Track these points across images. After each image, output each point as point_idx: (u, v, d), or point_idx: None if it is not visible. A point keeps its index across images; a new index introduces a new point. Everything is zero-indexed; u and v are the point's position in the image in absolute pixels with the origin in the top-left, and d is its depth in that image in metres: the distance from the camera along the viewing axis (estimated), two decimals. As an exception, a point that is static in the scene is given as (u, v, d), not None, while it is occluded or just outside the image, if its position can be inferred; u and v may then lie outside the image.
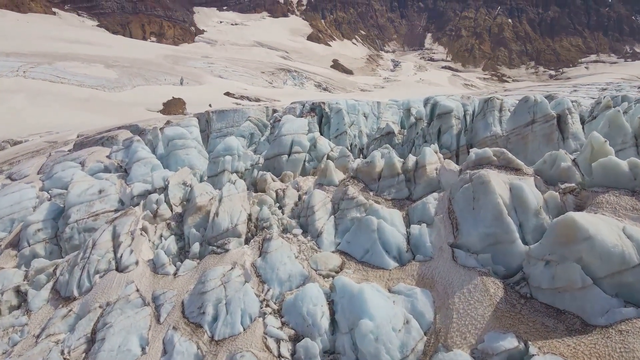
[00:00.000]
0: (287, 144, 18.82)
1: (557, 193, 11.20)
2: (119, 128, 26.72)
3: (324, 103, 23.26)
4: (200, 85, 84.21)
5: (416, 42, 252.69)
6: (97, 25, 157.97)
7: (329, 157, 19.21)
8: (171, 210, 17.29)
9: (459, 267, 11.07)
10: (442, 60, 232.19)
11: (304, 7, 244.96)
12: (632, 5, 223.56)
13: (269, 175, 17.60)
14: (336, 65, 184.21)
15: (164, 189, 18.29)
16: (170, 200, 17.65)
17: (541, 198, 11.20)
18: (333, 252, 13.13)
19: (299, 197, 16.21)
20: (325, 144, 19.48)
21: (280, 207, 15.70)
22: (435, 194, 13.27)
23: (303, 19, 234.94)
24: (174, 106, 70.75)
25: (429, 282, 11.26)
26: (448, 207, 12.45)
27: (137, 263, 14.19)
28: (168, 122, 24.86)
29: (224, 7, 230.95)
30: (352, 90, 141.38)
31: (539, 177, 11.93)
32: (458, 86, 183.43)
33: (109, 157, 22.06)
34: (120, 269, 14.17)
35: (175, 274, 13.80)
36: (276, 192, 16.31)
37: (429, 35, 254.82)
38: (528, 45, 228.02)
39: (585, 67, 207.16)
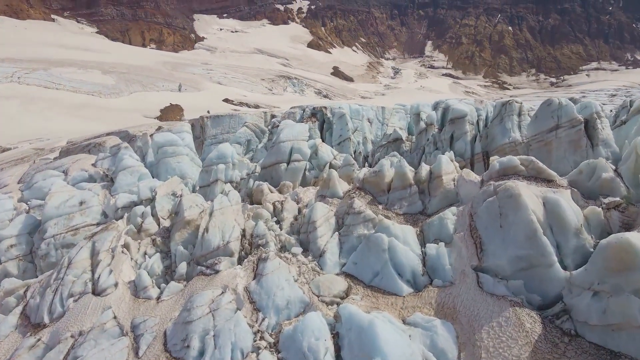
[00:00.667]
0: (286, 151, 17.26)
1: (600, 209, 9.62)
2: (108, 134, 25.21)
3: (325, 108, 21.75)
4: (199, 92, 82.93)
5: (416, 49, 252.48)
6: (97, 32, 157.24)
7: (331, 166, 17.66)
8: (158, 225, 15.71)
9: (485, 295, 9.46)
10: (443, 67, 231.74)
11: (304, 15, 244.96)
12: (632, 12, 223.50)
13: (265, 186, 16.04)
14: (336, 73, 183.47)
15: (152, 201, 16.73)
16: (158, 212, 16.08)
17: (581, 214, 9.63)
18: (338, 274, 11.53)
19: (299, 211, 14.63)
20: (327, 151, 17.93)
21: (277, 222, 14.11)
22: (453, 208, 11.69)
23: (303, 26, 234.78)
24: (171, 113, 69.40)
25: (451, 312, 9.65)
26: (469, 223, 10.86)
27: (116, 285, 12.59)
28: (160, 128, 23.34)
29: (224, 15, 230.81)
30: (353, 97, 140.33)
31: (575, 189, 10.35)
32: (459, 93, 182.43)
33: (94, 165, 20.51)
34: (97, 291, 12.55)
35: (158, 298, 12.19)
36: (273, 204, 14.72)
37: (429, 42, 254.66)
38: (529, 53, 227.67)
39: (587, 75, 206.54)
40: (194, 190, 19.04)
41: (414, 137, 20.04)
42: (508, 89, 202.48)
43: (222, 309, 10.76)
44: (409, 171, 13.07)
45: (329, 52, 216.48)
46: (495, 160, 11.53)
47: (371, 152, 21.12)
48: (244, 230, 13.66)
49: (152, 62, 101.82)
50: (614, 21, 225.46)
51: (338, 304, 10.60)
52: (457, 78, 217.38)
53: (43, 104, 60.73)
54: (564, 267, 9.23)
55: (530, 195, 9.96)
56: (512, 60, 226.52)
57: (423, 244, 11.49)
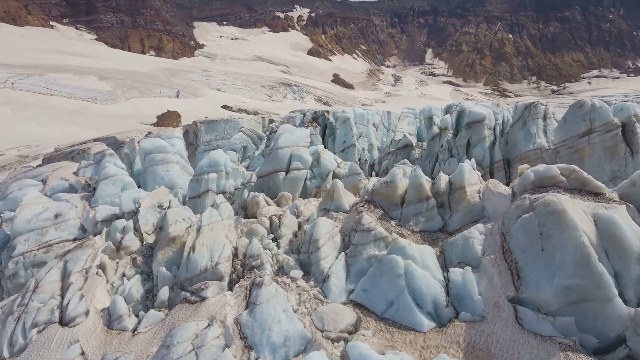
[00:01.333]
0: (285, 159, 15.56)
1: (666, 229, 7.93)
2: (95, 140, 23.55)
3: (327, 112, 20.10)
4: (197, 98, 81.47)
5: (417, 57, 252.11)
6: (95, 39, 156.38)
7: (335, 175, 15.97)
8: (141, 241, 13.99)
9: (527, 335, 7.74)
10: (443, 75, 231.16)
11: (304, 22, 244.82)
12: (633, 20, 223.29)
13: (261, 198, 14.34)
14: (337, 80, 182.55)
15: (135, 214, 15.01)
16: (141, 227, 14.36)
17: (642, 235, 7.92)
18: (345, 303, 9.80)
19: (299, 226, 12.93)
20: (330, 159, 16.25)
21: (275, 239, 12.40)
22: (479, 226, 9.98)
23: (303, 34, 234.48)
24: (168, 119, 67.87)
25: (484, 355, 7.92)
26: (501, 244, 9.15)
27: (87, 313, 10.85)
28: (149, 134, 21.68)
29: (224, 22, 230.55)
30: (353, 104, 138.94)
31: (630, 205, 8.67)
32: (460, 100, 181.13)
33: (76, 173, 18.81)
34: (65, 321, 10.82)
35: (135, 330, 10.45)
36: (270, 219, 13.01)
37: (429, 50, 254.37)
38: (529, 61, 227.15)
39: (588, 82, 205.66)
40: (184, 202, 17.33)
41: (424, 143, 18.39)
42: (509, 96, 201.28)
43: (208, 346, 9.03)
44: (426, 182, 11.40)
45: (329, 60, 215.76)
46: (528, 170, 9.84)
47: (378, 160, 19.42)
48: (235, 249, 11.96)
49: (150, 69, 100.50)
50: (615, 29, 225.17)
51: (346, 340, 8.87)
52: (458, 85, 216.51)
53: (37, 110, 59.20)
54: (625, 301, 7.51)
55: (577, 211, 8.27)
56: (513, 67, 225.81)
57: (445, 267, 9.77)
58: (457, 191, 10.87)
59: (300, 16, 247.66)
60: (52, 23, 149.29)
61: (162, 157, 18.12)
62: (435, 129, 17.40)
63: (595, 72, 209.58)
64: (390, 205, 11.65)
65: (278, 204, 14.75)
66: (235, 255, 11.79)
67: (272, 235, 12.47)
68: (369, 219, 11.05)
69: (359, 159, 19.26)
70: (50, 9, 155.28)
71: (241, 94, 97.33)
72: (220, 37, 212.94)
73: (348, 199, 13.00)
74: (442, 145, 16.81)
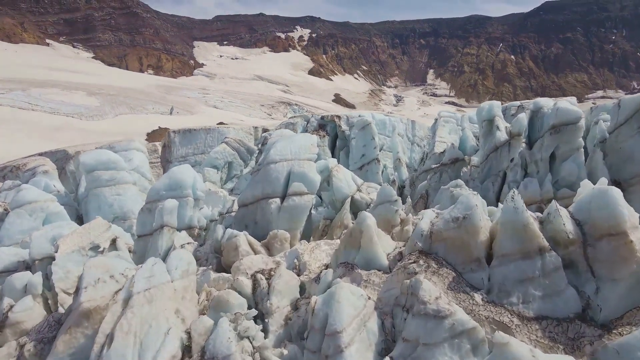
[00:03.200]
0: (280, 178, 10.34)
1: None
2: (41, 154, 18.52)
3: (339, 117, 15.10)
4: (192, 115, 76.87)
5: (418, 77, 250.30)
6: (93, 57, 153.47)
7: (354, 204, 10.83)
8: (50, 308, 8.80)
9: None
10: (445, 95, 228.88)
11: (305, 43, 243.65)
12: (636, 42, 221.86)
13: (242, 239, 9.14)
14: (338, 100, 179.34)
15: (52, 261, 9.81)
16: (56, 284, 9.17)
17: None
18: None
19: (302, 289, 7.74)
20: (347, 178, 11.07)
21: (261, 317, 7.18)
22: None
23: (304, 54, 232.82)
24: (159, 136, 63.06)
25: None
26: None
27: None
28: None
29: (225, 42, 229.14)
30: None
31: None
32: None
33: (-6, 198, 13.67)
34: None
35: None
36: (254, 278, 7.78)
37: (430, 71, 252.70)
38: (532, 81, 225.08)
39: (593, 103, 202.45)
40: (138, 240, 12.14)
41: (472, 157, 13.26)
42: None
43: None
44: (533, 220, 6.20)
45: (330, 80, 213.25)
46: None
47: (409, 181, 14.24)
48: (189, 338, 6.72)
49: (144, 85, 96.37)
50: (618, 50, 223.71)
51: None
52: (461, 106, 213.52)
53: (15, 125, 54.56)
54: None
55: None
56: (516, 88, 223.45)
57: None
58: (605, 240, 5.69)
59: (301, 36, 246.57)
60: (48, 41, 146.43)
61: (111, 176, 13.02)
62: (500, 136, 12.27)
63: (600, 92, 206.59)
64: (466, 262, 6.47)
65: (268, 249, 9.52)
66: (186, 352, 6.56)
67: (254, 310, 7.21)
68: (433, 290, 5.83)
69: (384, 179, 14.14)
70: (47, 26, 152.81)
71: (239, 112, 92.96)
72: (221, 56, 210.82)
73: (383, 244, 7.80)
74: (513, 160, 11.70)
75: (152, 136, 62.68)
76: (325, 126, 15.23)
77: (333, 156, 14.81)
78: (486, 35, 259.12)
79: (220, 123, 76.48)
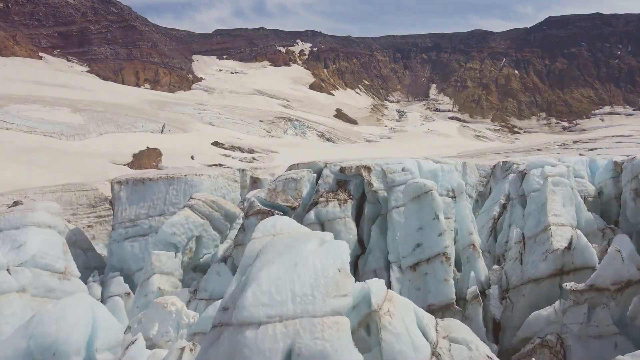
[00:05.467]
0: None
1: None
2: None
3: (368, 169, 9.36)
4: (185, 133, 71.47)
5: (421, 92, 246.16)
6: (87, 71, 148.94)
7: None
8: None
9: None
10: (449, 110, 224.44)
11: (306, 57, 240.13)
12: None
13: None
14: (340, 115, 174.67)
15: None
16: None
17: None
18: None
19: None
20: (410, 327, 5.35)
21: None
22: None
23: (305, 68, 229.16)
24: (146, 158, 57.65)
25: None
26: None
27: None
28: (16, 204, 10.90)
29: (225, 56, 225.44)
30: (358, 140, 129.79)
31: None
32: (469, 137, 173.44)
33: None
34: None
35: None
36: None
37: (433, 86, 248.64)
38: (537, 97, 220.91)
39: (600, 119, 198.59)
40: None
41: None
42: (519, 132, 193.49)
43: None
44: None
45: (332, 94, 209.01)
46: None
47: (498, 294, 8.16)
48: None
49: (136, 101, 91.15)
50: (624, 65, 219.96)
51: None
52: (464, 121, 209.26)
53: (-17, 147, 49.04)
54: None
55: None
56: (521, 103, 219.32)
57: None
58: None
59: (302, 51, 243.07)
60: (41, 54, 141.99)
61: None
62: None
63: (607, 108, 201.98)
64: None
65: None
66: None
67: None
68: None
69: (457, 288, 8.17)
70: (40, 39, 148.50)
71: (236, 129, 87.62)
72: (220, 70, 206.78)
73: None
74: None
75: (138, 157, 57.12)
76: (348, 184, 9.34)
77: (359, 235, 8.92)
78: (489, 50, 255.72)
79: (215, 143, 71.11)
